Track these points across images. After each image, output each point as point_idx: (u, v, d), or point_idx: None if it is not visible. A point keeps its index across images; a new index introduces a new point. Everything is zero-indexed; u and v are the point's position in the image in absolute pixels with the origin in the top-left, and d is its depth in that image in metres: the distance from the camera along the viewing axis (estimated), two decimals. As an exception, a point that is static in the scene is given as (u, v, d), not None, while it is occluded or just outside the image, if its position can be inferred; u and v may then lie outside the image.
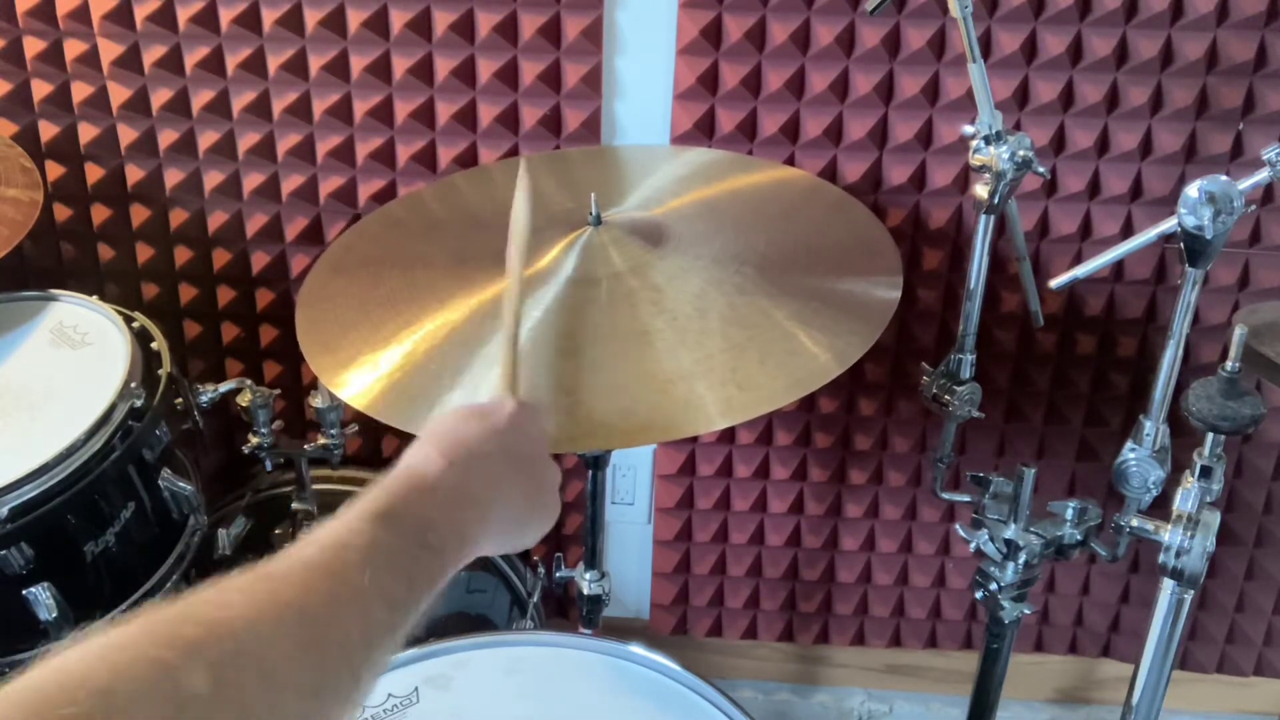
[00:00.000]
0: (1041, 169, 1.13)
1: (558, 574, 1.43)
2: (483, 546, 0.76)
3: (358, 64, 1.45)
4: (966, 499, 1.29)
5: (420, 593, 0.67)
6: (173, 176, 1.55)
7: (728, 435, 1.67)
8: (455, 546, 0.71)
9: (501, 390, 0.92)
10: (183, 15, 1.44)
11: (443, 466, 0.75)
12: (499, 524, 0.78)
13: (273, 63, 1.46)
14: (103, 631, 0.51)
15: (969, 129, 1.13)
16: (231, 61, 1.47)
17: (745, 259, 1.15)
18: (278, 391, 1.45)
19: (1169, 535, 1.11)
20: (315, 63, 1.46)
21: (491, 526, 0.77)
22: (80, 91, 1.50)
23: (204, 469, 1.42)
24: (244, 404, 1.39)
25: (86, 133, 1.53)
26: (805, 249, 1.20)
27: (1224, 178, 0.98)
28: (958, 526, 1.34)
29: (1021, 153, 1.11)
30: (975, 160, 1.12)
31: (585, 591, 1.39)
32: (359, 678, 0.60)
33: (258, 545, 1.45)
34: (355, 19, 1.43)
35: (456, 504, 0.74)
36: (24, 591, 1.15)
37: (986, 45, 1.38)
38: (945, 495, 1.34)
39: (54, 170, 1.56)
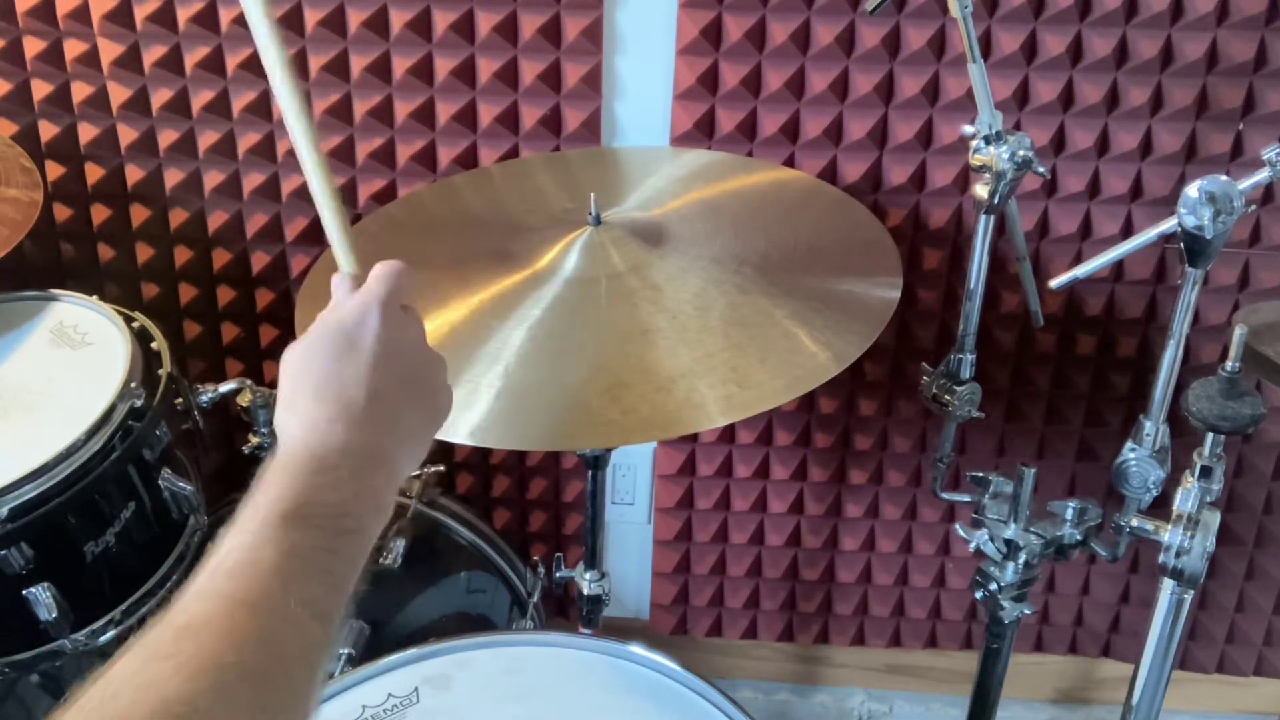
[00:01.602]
0: (1041, 169, 1.14)
1: (558, 574, 1.43)
2: (395, 494, 0.70)
3: (358, 64, 1.45)
4: (966, 499, 1.29)
5: (347, 584, 0.62)
6: (173, 176, 1.55)
7: (728, 435, 1.67)
8: (373, 518, 0.66)
9: (344, 277, 0.79)
10: (183, 15, 1.44)
11: (341, 430, 0.67)
12: (404, 461, 0.71)
13: (273, 63, 1.46)
14: None
15: (969, 129, 1.13)
16: (231, 61, 1.47)
17: (745, 259, 1.15)
18: (277, 391, 1.45)
19: (1169, 535, 1.11)
20: (315, 63, 1.46)
21: (402, 470, 0.71)
22: (80, 91, 1.50)
23: (204, 469, 1.42)
24: (244, 404, 1.39)
25: (86, 133, 1.53)
26: (805, 249, 1.20)
27: (1224, 178, 0.98)
28: (958, 526, 1.34)
29: (1021, 153, 1.11)
30: (975, 160, 1.12)
31: (585, 591, 1.39)
32: (305, 697, 0.57)
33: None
34: (355, 19, 1.43)
35: (364, 471, 0.66)
36: (24, 591, 1.15)
37: (986, 45, 1.38)
38: (945, 495, 1.34)
39: (54, 170, 1.56)
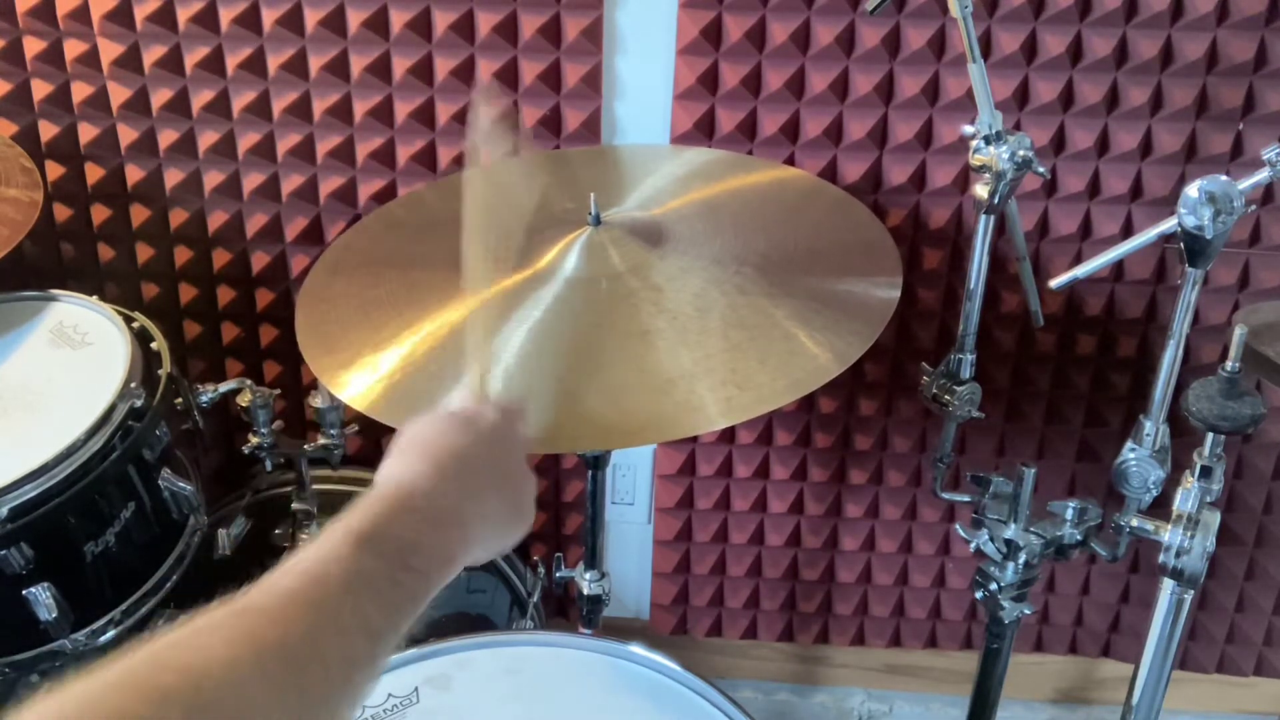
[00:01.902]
0: (1041, 169, 1.13)
1: (558, 574, 1.43)
2: (462, 563, 0.74)
3: (358, 64, 1.45)
4: (966, 499, 1.29)
5: (402, 618, 0.65)
6: (173, 176, 1.55)
7: (728, 435, 1.67)
8: (439, 567, 0.70)
9: (477, 391, 0.90)
10: (183, 15, 1.44)
11: (431, 481, 0.73)
12: (480, 539, 0.76)
13: (273, 63, 1.46)
14: (84, 678, 0.50)
15: (969, 129, 1.13)
16: (231, 61, 1.47)
17: (745, 259, 1.15)
18: (278, 391, 1.45)
19: (1169, 535, 1.11)
20: (315, 63, 1.46)
21: (473, 543, 0.75)
22: (80, 91, 1.50)
23: (204, 469, 1.42)
24: (244, 404, 1.39)
25: (86, 133, 1.53)
26: (805, 249, 1.20)
27: (1224, 178, 0.98)
28: (958, 526, 1.34)
29: (1021, 153, 1.11)
30: (975, 160, 1.12)
31: (585, 591, 1.39)
32: (337, 712, 0.59)
33: (258, 545, 1.45)
34: (355, 19, 1.43)
35: (442, 523, 0.72)
36: (24, 591, 1.15)
37: (986, 45, 1.38)
38: (945, 495, 1.34)
39: (54, 170, 1.56)
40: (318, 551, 0.64)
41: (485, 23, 1.42)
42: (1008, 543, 1.23)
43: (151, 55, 1.47)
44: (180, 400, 1.31)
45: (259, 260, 1.60)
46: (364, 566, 0.64)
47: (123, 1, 1.44)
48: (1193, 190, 0.98)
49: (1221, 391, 1.07)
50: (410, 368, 1.06)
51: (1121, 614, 1.76)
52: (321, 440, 1.43)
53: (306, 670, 0.57)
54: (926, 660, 1.86)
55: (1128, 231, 1.47)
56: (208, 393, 1.36)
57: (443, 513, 0.72)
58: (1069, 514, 1.22)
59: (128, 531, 1.22)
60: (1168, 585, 1.14)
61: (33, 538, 1.13)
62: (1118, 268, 1.50)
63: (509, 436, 0.84)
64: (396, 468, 0.75)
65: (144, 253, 1.61)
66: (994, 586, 1.27)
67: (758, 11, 1.38)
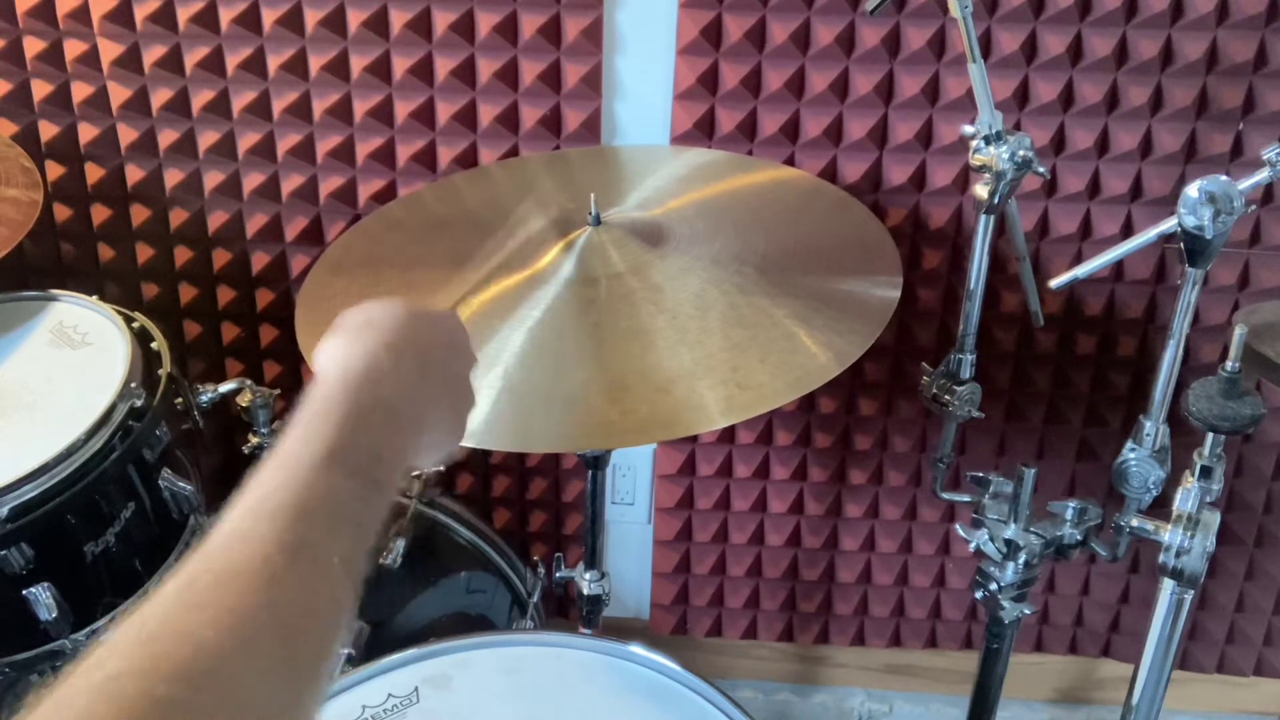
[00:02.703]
0: (1041, 169, 1.14)
1: (558, 574, 1.43)
2: (416, 463, 0.69)
3: (358, 64, 1.45)
4: (966, 499, 1.29)
5: (369, 539, 0.61)
6: (173, 176, 1.55)
7: (728, 435, 1.67)
8: (398, 475, 0.65)
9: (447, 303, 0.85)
10: (183, 15, 1.44)
11: (389, 371, 0.67)
12: (426, 446, 0.71)
13: (273, 63, 1.46)
14: (65, 688, 0.48)
15: (969, 129, 1.13)
16: (231, 61, 1.47)
17: (745, 259, 1.15)
18: (278, 391, 1.44)
19: (1169, 535, 1.11)
20: (315, 63, 1.46)
21: (423, 451, 0.71)
22: (80, 91, 1.50)
23: (204, 469, 1.42)
24: (244, 404, 1.39)
25: (86, 133, 1.53)
26: (805, 249, 1.20)
27: (1224, 178, 0.98)
28: (958, 526, 1.34)
29: (1021, 153, 1.11)
30: (975, 160, 1.12)
31: (585, 591, 1.39)
32: (328, 659, 0.56)
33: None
34: (355, 19, 1.43)
35: (400, 423, 0.66)
36: (24, 591, 1.15)
37: (986, 45, 1.38)
38: (945, 495, 1.34)
39: (54, 170, 1.56)
40: (286, 479, 0.59)
41: (485, 23, 1.42)
42: (1008, 543, 1.23)
43: (151, 55, 1.47)
44: (180, 400, 1.31)
45: (259, 260, 1.60)
46: (336, 490, 0.59)
47: (123, 1, 1.44)
48: (1193, 190, 0.98)
49: (1221, 391, 1.07)
50: (410, 368, 1.06)
51: (1121, 614, 1.76)
52: (321, 440, 1.43)
53: (299, 632, 0.54)
54: (926, 660, 1.86)
55: (1128, 231, 1.47)
56: (208, 393, 1.36)
57: (400, 411, 0.66)
58: (1069, 514, 1.22)
59: (128, 531, 1.22)
60: (1168, 585, 1.14)
61: (33, 538, 1.13)
62: (1118, 268, 1.50)
63: (462, 345, 0.78)
64: (349, 353, 0.68)
65: (144, 253, 1.61)
66: (994, 586, 1.27)
67: (758, 11, 1.38)
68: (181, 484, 1.28)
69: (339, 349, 0.68)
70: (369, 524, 0.61)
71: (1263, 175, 1.01)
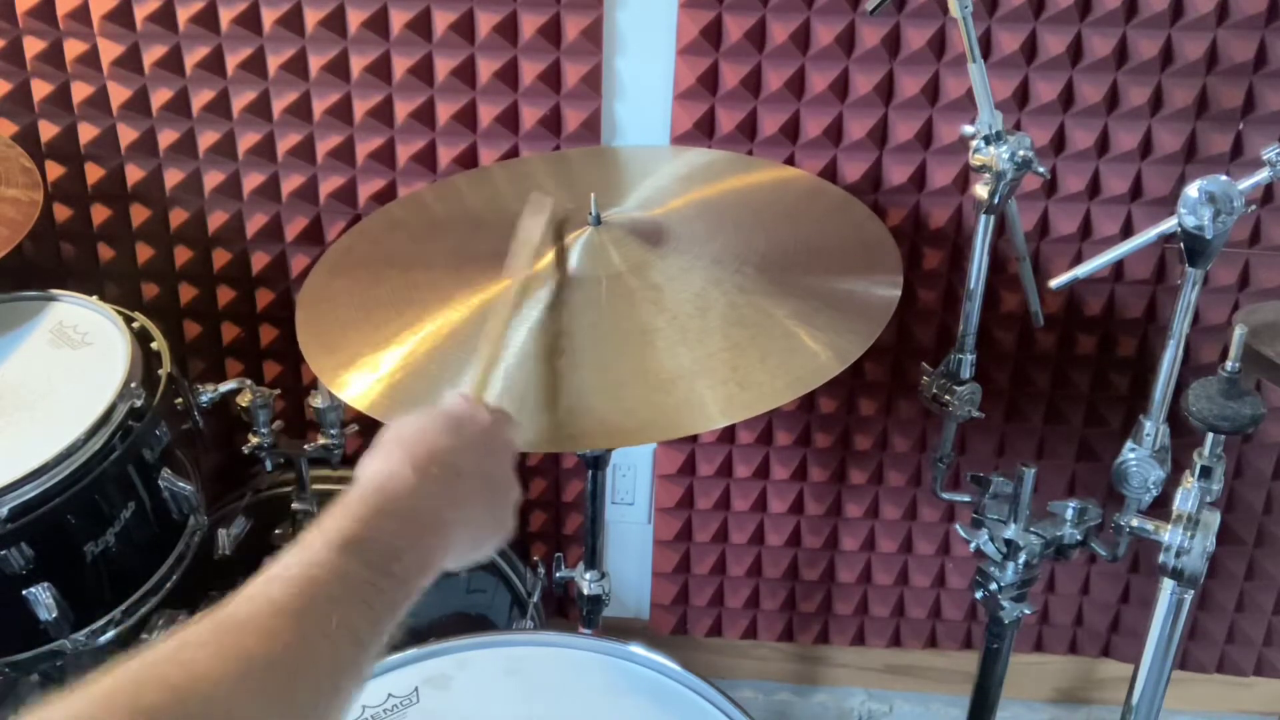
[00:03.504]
0: (1041, 169, 1.14)
1: (558, 574, 1.43)
2: (441, 569, 0.73)
3: (358, 64, 1.45)
4: (966, 499, 1.29)
5: (384, 624, 0.65)
6: (173, 176, 1.55)
7: (728, 435, 1.67)
8: (418, 574, 0.69)
9: (477, 388, 0.89)
10: (183, 15, 1.44)
11: (414, 483, 0.72)
12: (459, 546, 0.76)
13: (273, 63, 1.46)
14: (68, 696, 0.50)
15: (969, 129, 1.13)
16: (231, 61, 1.47)
17: (745, 258, 1.15)
18: (278, 391, 1.45)
19: (1169, 535, 1.11)
20: (315, 63, 1.46)
21: (453, 549, 0.74)
22: (80, 91, 1.50)
23: (204, 469, 1.42)
24: (244, 404, 1.39)
25: (86, 133, 1.53)
26: (805, 248, 1.20)
27: (1224, 178, 0.98)
28: (958, 526, 1.34)
29: (1021, 153, 1.11)
30: (975, 160, 1.12)
31: (585, 591, 1.39)
32: (327, 713, 0.59)
33: (258, 545, 1.45)
34: (355, 19, 1.43)
35: (424, 528, 0.71)
36: (24, 591, 1.15)
37: (986, 45, 1.38)
38: (945, 495, 1.34)
39: (54, 170, 1.56)
40: (302, 558, 0.63)
41: (485, 23, 1.42)
42: (1008, 543, 1.23)
43: (151, 55, 1.47)
44: (180, 400, 1.31)
45: (259, 260, 1.60)
46: (348, 573, 0.63)
47: (123, 1, 1.44)
48: (1193, 190, 0.98)
49: (1221, 391, 1.07)
50: (410, 368, 1.06)
51: (1121, 614, 1.76)
52: (321, 440, 1.43)
53: (294, 682, 0.57)
54: (926, 660, 1.86)
55: (1128, 231, 1.47)
56: (208, 393, 1.36)
57: (424, 518, 0.72)
58: (1069, 514, 1.22)
59: (128, 531, 1.22)
60: (1168, 585, 1.14)
61: (33, 538, 1.13)
62: (1118, 268, 1.50)
63: (497, 442, 0.83)
64: (379, 466, 0.74)
65: (144, 253, 1.61)
66: (994, 586, 1.27)
67: (758, 11, 1.38)
68: (181, 484, 1.28)
69: (370, 466, 0.74)
70: (381, 607, 0.65)
71: (1263, 175, 1.01)
